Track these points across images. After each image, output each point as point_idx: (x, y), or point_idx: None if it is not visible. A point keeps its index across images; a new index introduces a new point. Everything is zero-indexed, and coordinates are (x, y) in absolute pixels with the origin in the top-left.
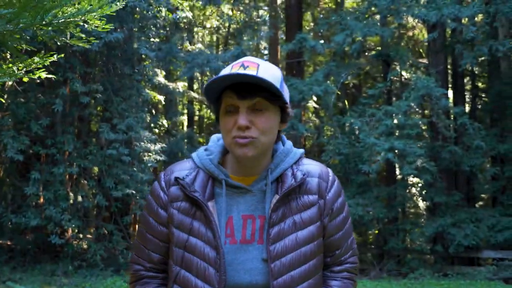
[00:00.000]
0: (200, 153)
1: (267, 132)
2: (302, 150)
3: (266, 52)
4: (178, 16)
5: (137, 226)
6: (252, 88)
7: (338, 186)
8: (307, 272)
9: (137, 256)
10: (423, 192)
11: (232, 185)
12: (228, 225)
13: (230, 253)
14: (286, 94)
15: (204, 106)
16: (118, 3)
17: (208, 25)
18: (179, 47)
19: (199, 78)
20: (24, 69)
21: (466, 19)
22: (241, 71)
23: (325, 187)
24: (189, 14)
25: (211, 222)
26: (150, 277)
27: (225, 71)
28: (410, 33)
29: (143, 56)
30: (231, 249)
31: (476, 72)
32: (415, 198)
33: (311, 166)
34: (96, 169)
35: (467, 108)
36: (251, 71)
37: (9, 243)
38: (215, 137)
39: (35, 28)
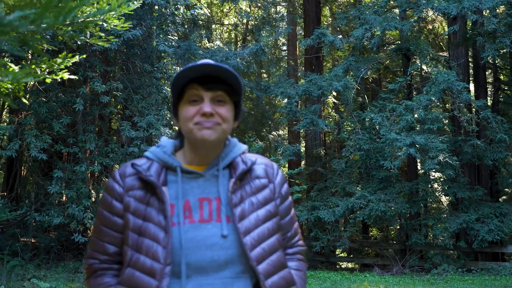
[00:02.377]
0: (153, 149)
1: (227, 121)
2: (246, 145)
3: (284, 48)
4: (196, 13)
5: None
6: (215, 82)
7: (283, 174)
8: (274, 245)
9: (92, 250)
10: (446, 187)
11: (186, 171)
12: (186, 207)
13: (190, 231)
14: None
15: None
16: (135, 2)
17: (226, 22)
18: (198, 44)
19: None
20: (47, 70)
21: (488, 11)
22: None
23: (272, 173)
24: (207, 11)
25: (164, 202)
26: (104, 269)
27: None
28: (430, 26)
29: (162, 54)
30: (190, 227)
31: (498, 65)
32: (437, 193)
33: (255, 156)
34: (117, 166)
35: (489, 101)
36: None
37: (33, 241)
38: (164, 138)
39: (55, 28)
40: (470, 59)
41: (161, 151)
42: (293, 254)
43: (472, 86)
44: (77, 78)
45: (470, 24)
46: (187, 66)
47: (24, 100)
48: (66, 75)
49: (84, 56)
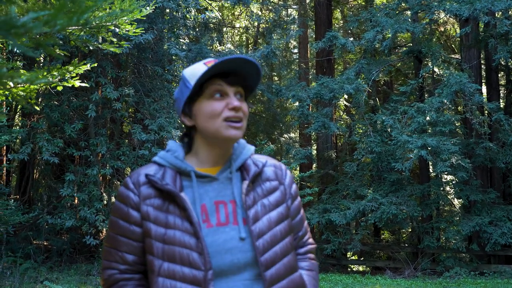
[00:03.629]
0: (162, 154)
1: (247, 117)
2: (253, 146)
3: (295, 50)
4: (207, 17)
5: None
6: (235, 76)
7: (291, 174)
8: (285, 248)
9: (109, 261)
10: (458, 190)
11: (200, 175)
12: (203, 211)
13: (208, 235)
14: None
15: None
16: (148, 8)
17: (237, 25)
18: (209, 48)
19: None
20: (59, 77)
21: (500, 12)
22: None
23: (281, 174)
24: (218, 14)
25: (187, 210)
26: (126, 279)
27: (200, 68)
28: (442, 28)
29: (174, 57)
30: (209, 232)
31: (511, 67)
32: (449, 196)
33: (264, 158)
34: (128, 169)
35: (502, 104)
36: None
37: (45, 243)
38: (172, 141)
39: (67, 33)
40: (482, 61)
41: (172, 156)
42: (305, 253)
43: (484, 88)
44: (88, 86)
45: (482, 26)
46: (220, 60)
47: (36, 107)
48: (77, 83)
49: (95, 64)
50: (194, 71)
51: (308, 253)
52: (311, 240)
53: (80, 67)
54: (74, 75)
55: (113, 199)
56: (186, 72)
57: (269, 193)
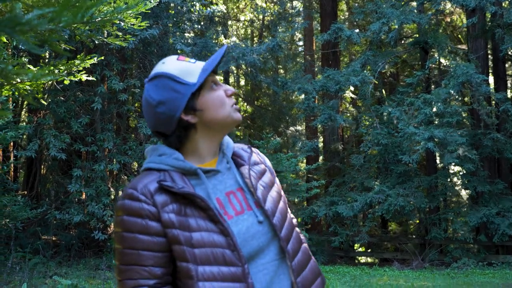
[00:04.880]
0: (157, 159)
1: None
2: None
3: (301, 43)
4: (212, 10)
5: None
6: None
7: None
8: (291, 223)
9: (135, 279)
10: (466, 181)
11: (204, 171)
12: (220, 205)
13: (232, 227)
14: None
15: (240, 99)
16: (152, 1)
17: (242, 18)
18: (214, 41)
19: (235, 71)
20: (65, 72)
21: (507, 2)
22: (191, 59)
23: (262, 158)
24: (223, 8)
25: (210, 209)
26: None
27: (182, 64)
28: (448, 19)
29: (179, 51)
30: (231, 224)
31: None
32: (457, 187)
33: (245, 145)
34: (136, 164)
35: (509, 94)
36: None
37: (54, 238)
38: (159, 145)
39: (73, 28)
40: (489, 51)
41: (171, 159)
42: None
43: (491, 79)
44: (95, 79)
45: (489, 16)
46: (220, 53)
47: (43, 102)
48: (84, 77)
49: (102, 58)
50: (186, 68)
51: (296, 226)
52: (292, 215)
53: (87, 61)
54: (81, 68)
55: (122, 221)
56: (170, 70)
57: (262, 175)
